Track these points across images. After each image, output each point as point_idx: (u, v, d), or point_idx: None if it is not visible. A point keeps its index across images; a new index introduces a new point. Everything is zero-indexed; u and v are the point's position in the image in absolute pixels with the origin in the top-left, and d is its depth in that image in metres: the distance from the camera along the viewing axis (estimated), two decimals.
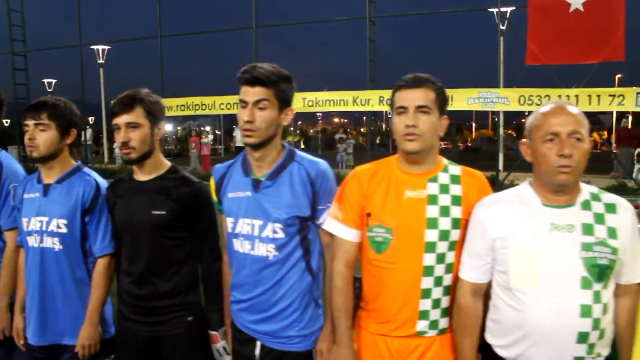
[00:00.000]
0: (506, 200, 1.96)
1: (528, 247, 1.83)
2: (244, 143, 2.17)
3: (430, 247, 1.99)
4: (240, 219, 2.19)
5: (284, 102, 2.15)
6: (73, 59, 20.77)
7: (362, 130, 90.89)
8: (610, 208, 1.86)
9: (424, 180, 2.05)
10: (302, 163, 2.19)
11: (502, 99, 14.28)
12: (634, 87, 13.86)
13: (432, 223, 1.99)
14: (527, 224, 1.85)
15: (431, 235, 1.99)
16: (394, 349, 2.05)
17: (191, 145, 23.21)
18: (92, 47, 25.00)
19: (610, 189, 13.32)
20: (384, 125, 68.41)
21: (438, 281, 2.01)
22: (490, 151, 24.25)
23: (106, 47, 26.08)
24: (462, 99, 14.30)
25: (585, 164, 1.82)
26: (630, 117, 17.01)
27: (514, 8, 15.93)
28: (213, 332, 2.37)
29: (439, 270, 2.01)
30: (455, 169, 2.12)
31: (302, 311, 2.18)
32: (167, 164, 2.47)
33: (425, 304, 2.01)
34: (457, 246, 2.03)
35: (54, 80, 39.35)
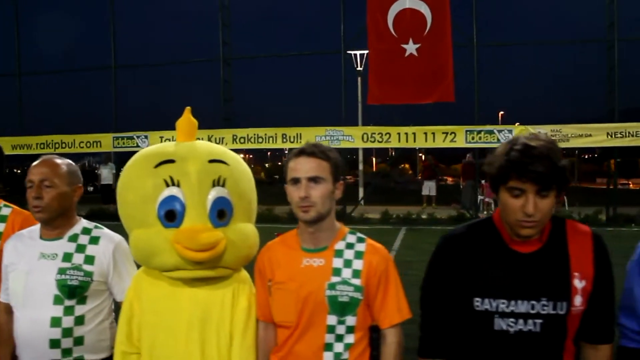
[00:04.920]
0: (21, 235, 2.29)
1: (21, 271, 2.19)
2: None
3: None
4: None
5: None
6: None
7: (266, 165, 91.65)
8: (93, 240, 2.25)
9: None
10: None
11: (347, 137, 15.16)
12: (464, 125, 15.23)
13: None
14: (24, 253, 2.21)
15: None
16: None
17: None
18: None
19: (452, 219, 14.51)
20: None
21: None
22: (379, 185, 25.52)
23: None
24: (311, 137, 14.95)
25: (57, 205, 2.18)
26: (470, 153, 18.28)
27: (367, 52, 17.04)
28: None
29: None
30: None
31: None
32: None
33: None
34: None
35: None
